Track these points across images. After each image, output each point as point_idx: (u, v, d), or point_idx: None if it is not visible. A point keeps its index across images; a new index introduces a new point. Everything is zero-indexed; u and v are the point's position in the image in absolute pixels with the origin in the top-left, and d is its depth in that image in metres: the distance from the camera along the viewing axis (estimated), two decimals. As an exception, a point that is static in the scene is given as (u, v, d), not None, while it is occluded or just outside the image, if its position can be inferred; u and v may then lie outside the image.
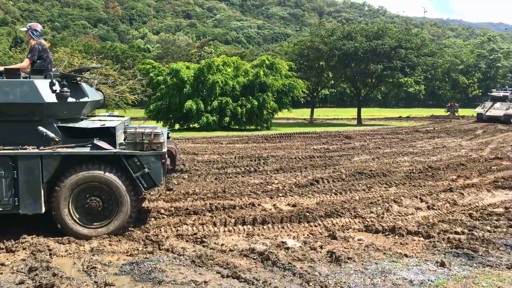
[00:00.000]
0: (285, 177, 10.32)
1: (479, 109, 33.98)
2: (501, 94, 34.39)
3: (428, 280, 4.75)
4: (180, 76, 27.42)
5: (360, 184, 9.54)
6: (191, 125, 28.61)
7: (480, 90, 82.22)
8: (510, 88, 36.91)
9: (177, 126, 28.58)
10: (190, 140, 18.75)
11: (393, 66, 35.26)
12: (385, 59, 35.95)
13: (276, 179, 10.12)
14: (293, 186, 9.32)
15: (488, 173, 11.13)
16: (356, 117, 41.07)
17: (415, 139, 21.20)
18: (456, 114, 51.07)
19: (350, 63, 37.18)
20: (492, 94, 35.78)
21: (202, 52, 68.83)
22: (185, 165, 11.70)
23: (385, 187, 9.36)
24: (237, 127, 28.25)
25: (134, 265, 5.14)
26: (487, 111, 32.64)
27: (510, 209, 7.68)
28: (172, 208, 7.53)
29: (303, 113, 50.83)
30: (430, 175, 10.70)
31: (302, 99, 39.01)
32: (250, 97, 27.79)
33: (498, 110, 32.30)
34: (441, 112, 54.15)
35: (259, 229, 6.51)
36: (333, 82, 53.40)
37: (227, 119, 27.34)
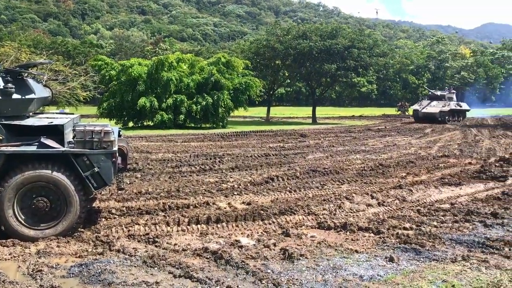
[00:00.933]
0: (240, 176, 10.33)
1: (416, 106, 35.14)
2: (438, 93, 35.55)
3: (378, 275, 4.88)
4: (131, 73, 26.85)
5: (313, 182, 9.68)
6: (145, 123, 28.12)
7: (429, 90, 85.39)
8: (453, 90, 38.10)
9: (130, 124, 28.01)
10: (144, 138, 18.43)
11: (347, 66, 36.04)
12: (339, 58, 36.67)
13: (231, 177, 10.11)
14: (248, 184, 9.34)
15: (435, 171, 11.57)
16: (311, 116, 41.64)
17: (367, 137, 21.74)
18: (406, 113, 52.73)
19: (305, 62, 37.71)
20: (430, 93, 36.85)
21: (157, 49, 67.74)
22: (138, 164, 11.50)
23: (337, 185, 9.55)
24: (192, 125, 28.02)
25: (83, 267, 5.00)
26: (423, 108, 33.73)
27: (455, 205, 8.02)
28: (124, 208, 7.37)
29: (260, 112, 51.21)
30: (381, 173, 11.01)
31: (259, 97, 39.13)
32: (205, 95, 27.62)
33: (434, 107, 33.27)
34: (392, 111, 55.83)
35: (213, 228, 6.48)
36: (289, 81, 53.99)
37: (182, 117, 27.08)
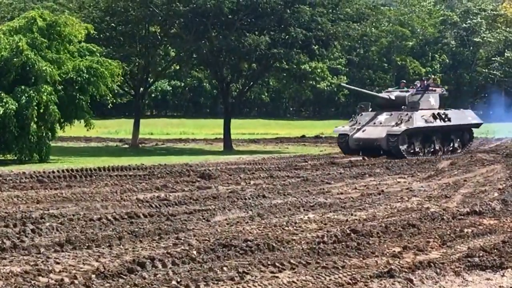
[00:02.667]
0: (76, 260, 10.20)
1: (342, 128, 35.11)
2: (394, 95, 35.54)
3: None
4: None
5: (225, 268, 9.77)
6: None
7: (448, 87, 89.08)
8: (431, 85, 37.77)
9: None
10: None
11: (289, 39, 36.93)
12: (274, 24, 37.53)
13: (57, 262, 9.97)
14: (93, 277, 9.26)
15: (457, 242, 12.03)
16: (221, 137, 42.21)
17: (329, 178, 22.20)
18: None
19: (209, 31, 38.19)
20: (380, 96, 37.26)
21: None
22: None
23: (271, 273, 9.69)
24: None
25: None
26: (357, 130, 33.59)
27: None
28: None
29: (120, 129, 51.15)
30: (355, 247, 11.30)
31: (116, 99, 39.06)
32: (3, 95, 27.05)
33: (379, 127, 33.17)
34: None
35: None
36: (177, 67, 54.30)
37: None
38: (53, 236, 11.74)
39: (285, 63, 40.23)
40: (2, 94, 27.07)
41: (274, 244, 11.28)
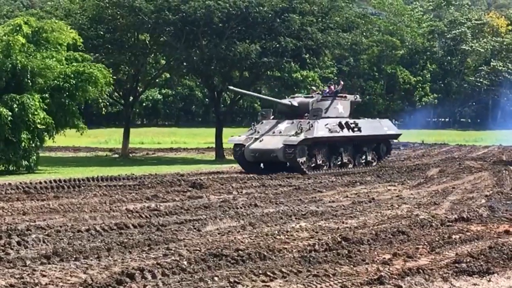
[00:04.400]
0: (63, 272, 10.15)
1: (238, 138, 30.94)
2: (297, 101, 31.85)
3: None
4: None
5: (216, 278, 9.73)
6: None
7: (437, 95, 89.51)
8: (339, 89, 33.55)
9: None
10: None
11: (280, 47, 36.98)
12: (265, 33, 37.56)
13: (44, 275, 9.91)
14: (81, 289, 9.21)
15: (445, 248, 12.11)
16: (213, 146, 42.16)
17: (321, 187, 22.34)
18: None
19: (199, 40, 38.19)
20: (282, 102, 33.13)
21: None
22: None
23: (263, 282, 9.66)
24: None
25: None
26: (255, 140, 29.68)
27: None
28: None
29: (109, 137, 51.09)
30: (345, 255, 11.32)
31: (106, 106, 38.86)
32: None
33: (278, 137, 29.16)
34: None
35: None
36: (168, 75, 54.19)
37: None
38: (39, 248, 11.67)
39: (276, 71, 40.26)
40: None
41: (265, 253, 11.26)
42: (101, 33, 39.25)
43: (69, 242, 12.25)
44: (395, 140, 36.93)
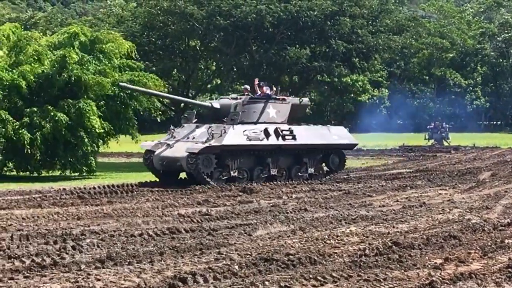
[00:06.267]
0: (117, 276, 10.26)
1: (153, 143, 26.92)
2: (219, 103, 28.08)
3: None
4: None
5: (267, 283, 9.76)
6: None
7: (488, 98, 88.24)
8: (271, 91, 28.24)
9: None
10: None
11: (330, 51, 36.88)
12: (315, 37, 37.50)
13: (98, 279, 10.03)
14: (135, 293, 9.32)
15: (498, 252, 11.99)
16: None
17: (371, 191, 22.20)
18: (446, 143, 54.24)
19: (250, 45, 38.25)
20: (203, 104, 30.64)
21: None
22: None
23: (313, 287, 9.67)
24: (17, 173, 27.96)
25: None
26: (167, 146, 25.68)
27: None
28: None
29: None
30: (396, 260, 11.27)
31: (159, 114, 39.05)
32: (51, 108, 27.20)
33: (189, 143, 25.07)
34: (419, 139, 57.30)
35: None
36: (218, 81, 54.33)
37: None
38: (93, 253, 11.83)
39: (326, 75, 40.15)
40: (50, 107, 27.11)
41: (315, 258, 11.28)
42: (153, 39, 39.61)
43: (122, 246, 12.42)
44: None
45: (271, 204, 18.52)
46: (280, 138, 25.99)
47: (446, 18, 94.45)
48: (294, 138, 26.47)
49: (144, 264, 11.04)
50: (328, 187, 23.47)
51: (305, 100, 30.07)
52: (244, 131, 25.23)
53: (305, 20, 36.45)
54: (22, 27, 32.70)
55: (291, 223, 15.23)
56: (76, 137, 27.29)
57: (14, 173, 28.49)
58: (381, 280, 10.02)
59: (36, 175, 27.81)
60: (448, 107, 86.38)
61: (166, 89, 34.00)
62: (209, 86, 54.64)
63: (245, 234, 13.81)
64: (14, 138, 26.41)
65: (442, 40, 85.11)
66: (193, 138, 25.43)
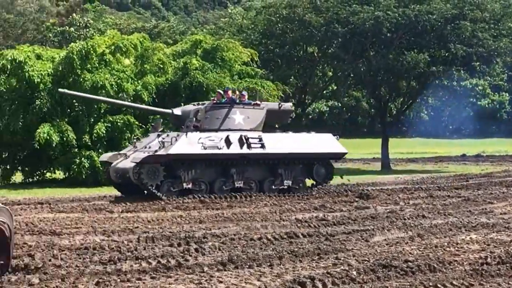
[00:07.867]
0: (238, 278, 10.38)
1: (110, 154, 24.57)
2: (180, 110, 25.33)
3: None
4: (25, 74, 26.91)
5: (385, 290, 9.74)
6: (49, 175, 28.62)
7: None
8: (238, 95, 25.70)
9: (18, 177, 28.38)
10: (47, 206, 18.62)
11: (449, 56, 36.34)
12: (434, 41, 37.03)
13: (220, 281, 10.18)
14: (255, 295, 9.41)
15: None
16: (379, 156, 41.91)
17: (492, 198, 21.71)
18: None
19: (367, 51, 38.10)
20: (164, 111, 26.33)
21: (69, 28, 68.67)
22: (35, 257, 11.58)
23: (433, 296, 9.58)
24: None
25: None
26: (125, 157, 23.30)
27: None
28: None
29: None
30: (520, 270, 11.01)
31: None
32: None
33: (138, 154, 22.63)
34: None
35: None
36: (334, 87, 54.34)
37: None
38: (215, 255, 12.02)
39: (444, 80, 39.61)
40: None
41: (435, 265, 11.12)
42: (271, 47, 39.96)
43: (243, 250, 12.57)
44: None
45: (388, 210, 18.37)
46: (244, 146, 23.23)
47: None
48: (262, 146, 23.55)
49: (264, 267, 11.14)
50: (446, 193, 23.09)
51: (286, 105, 26.84)
52: (199, 139, 22.72)
53: (423, 25, 36.06)
54: (145, 35, 33.33)
55: (409, 230, 15.06)
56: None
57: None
58: (505, 291, 9.85)
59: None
60: None
61: (282, 95, 34.08)
62: (325, 92, 54.69)
63: (363, 240, 13.73)
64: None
65: None
66: (149, 147, 23.07)
